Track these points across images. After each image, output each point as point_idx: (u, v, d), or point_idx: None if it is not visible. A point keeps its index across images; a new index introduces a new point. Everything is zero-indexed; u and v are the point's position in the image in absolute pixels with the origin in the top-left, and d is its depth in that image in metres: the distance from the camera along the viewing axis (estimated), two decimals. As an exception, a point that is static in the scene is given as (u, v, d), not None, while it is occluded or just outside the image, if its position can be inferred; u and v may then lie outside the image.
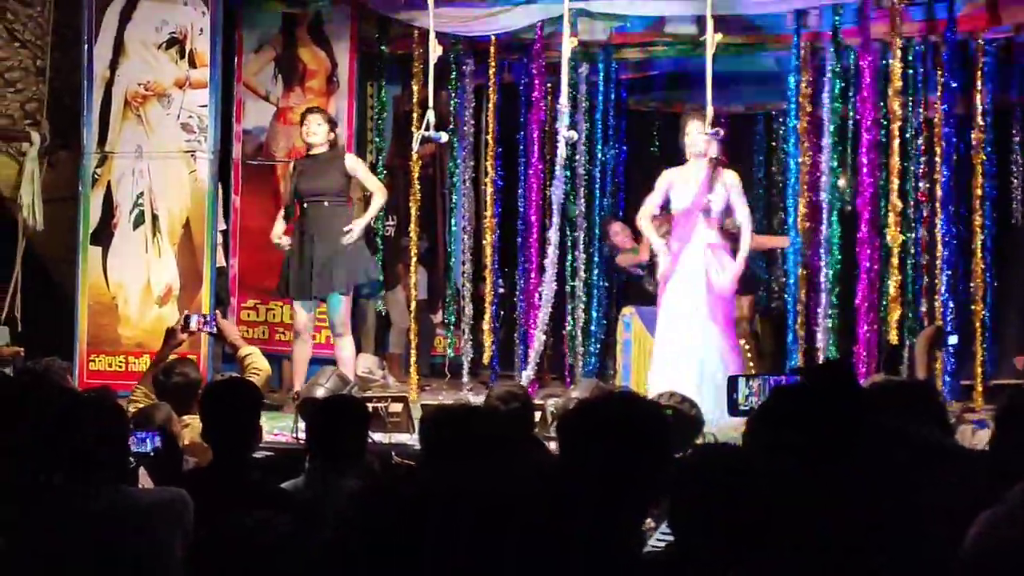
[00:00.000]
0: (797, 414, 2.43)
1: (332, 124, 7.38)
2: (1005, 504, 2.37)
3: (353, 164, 7.35)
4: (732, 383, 3.69)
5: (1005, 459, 2.57)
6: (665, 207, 7.19)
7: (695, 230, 6.95)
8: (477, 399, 6.52)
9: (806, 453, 2.34)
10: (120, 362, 7.53)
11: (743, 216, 6.98)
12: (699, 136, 6.91)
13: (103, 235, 7.60)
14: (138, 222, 7.57)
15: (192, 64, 7.54)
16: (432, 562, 2.29)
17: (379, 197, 7.34)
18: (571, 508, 2.31)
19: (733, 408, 3.76)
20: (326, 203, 7.23)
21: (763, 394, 4.20)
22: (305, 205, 7.24)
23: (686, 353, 6.88)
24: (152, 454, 3.94)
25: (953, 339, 7.57)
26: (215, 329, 5.66)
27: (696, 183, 6.97)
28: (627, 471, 2.36)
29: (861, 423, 2.43)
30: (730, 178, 6.97)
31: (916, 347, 7.81)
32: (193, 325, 5.70)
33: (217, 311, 6.22)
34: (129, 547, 3.16)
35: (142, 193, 7.56)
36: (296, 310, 7.32)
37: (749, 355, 7.76)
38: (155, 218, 7.56)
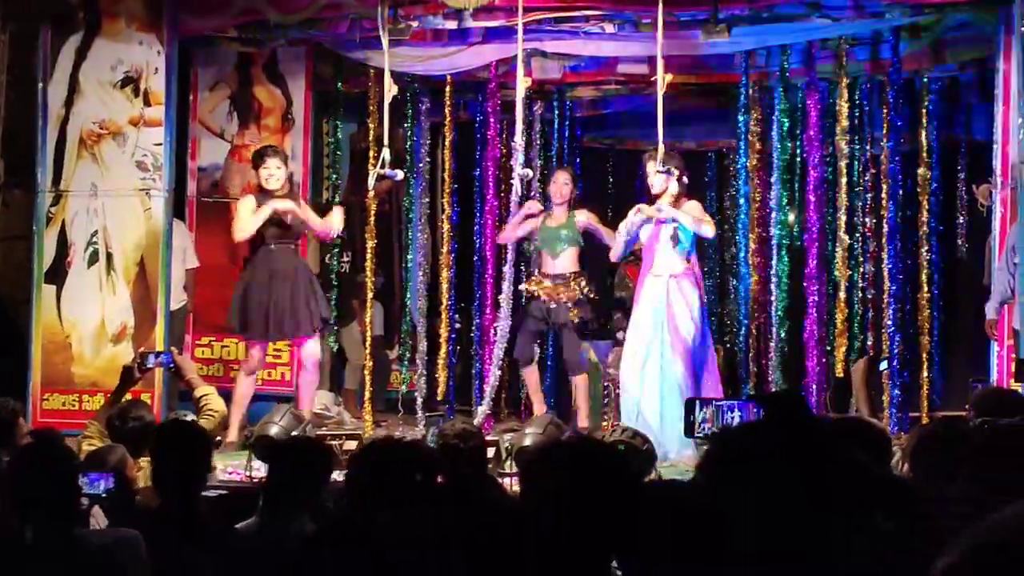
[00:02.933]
0: (753, 448, 2.45)
1: (286, 163, 7.44)
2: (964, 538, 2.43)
3: (304, 205, 7.43)
4: (689, 405, 3.76)
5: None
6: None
7: (659, 262, 7.03)
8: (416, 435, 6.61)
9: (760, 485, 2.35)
10: (74, 400, 7.51)
11: (709, 230, 7.09)
12: (656, 175, 7.02)
13: (57, 273, 7.59)
14: (92, 260, 7.56)
15: (147, 102, 7.56)
16: None
17: (324, 223, 7.42)
18: (536, 547, 2.34)
19: (689, 430, 3.82)
20: (292, 245, 7.32)
21: (717, 420, 4.28)
22: (273, 247, 7.27)
23: (649, 384, 6.94)
24: (104, 495, 3.95)
25: (883, 364, 7.73)
26: (172, 366, 5.67)
27: (648, 215, 7.06)
28: (589, 512, 2.39)
29: (818, 454, 2.46)
30: (689, 206, 7.07)
31: (854, 379, 7.97)
32: (150, 363, 5.71)
33: (173, 348, 6.22)
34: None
35: (96, 231, 7.55)
36: (252, 348, 7.34)
37: None
38: (109, 256, 7.56)
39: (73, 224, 7.58)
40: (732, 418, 3.47)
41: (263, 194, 7.35)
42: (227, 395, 5.94)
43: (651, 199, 7.15)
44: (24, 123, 7.85)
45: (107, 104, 7.58)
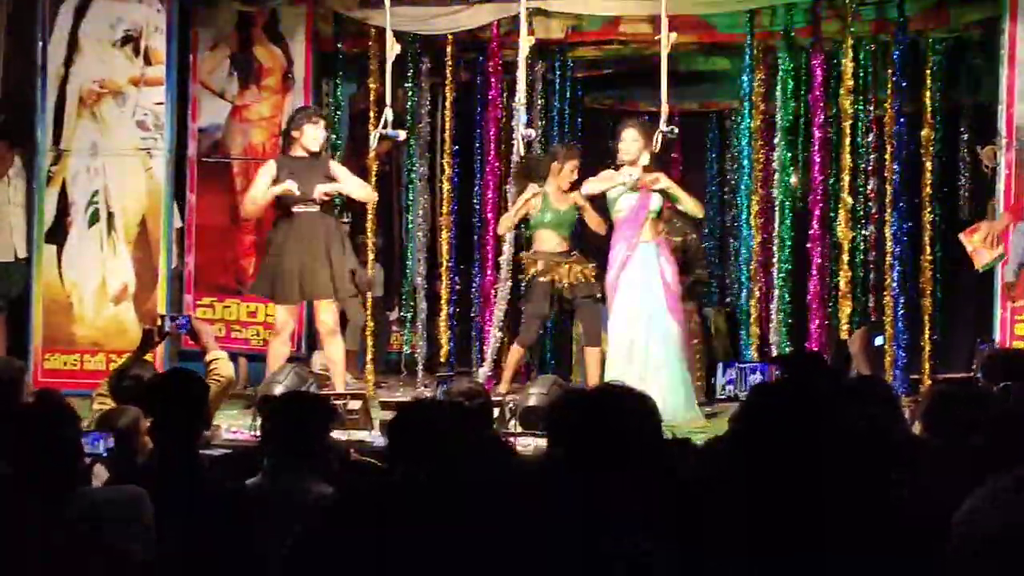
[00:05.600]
0: (782, 407, 2.43)
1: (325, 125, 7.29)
2: (985, 489, 2.44)
3: (336, 168, 7.25)
4: (712, 369, 3.77)
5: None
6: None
7: (643, 230, 7.05)
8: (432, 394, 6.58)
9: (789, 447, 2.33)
10: (75, 361, 7.50)
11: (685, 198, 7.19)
12: (633, 143, 7.01)
13: (58, 233, 7.56)
14: (93, 220, 7.54)
15: (147, 62, 7.52)
16: (418, 559, 2.30)
17: (362, 189, 7.36)
18: (560, 501, 2.33)
19: (711, 392, 3.84)
20: (315, 208, 7.06)
21: (741, 382, 4.31)
22: (295, 211, 7.07)
23: (640, 349, 6.95)
24: (105, 455, 3.95)
25: (879, 340, 7.76)
26: (190, 330, 5.65)
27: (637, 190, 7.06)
28: (615, 461, 2.37)
29: (841, 414, 2.46)
30: (665, 181, 7.11)
31: (852, 348, 7.98)
32: (168, 327, 5.69)
33: (191, 312, 6.20)
34: (85, 545, 3.17)
35: (97, 191, 7.53)
36: (278, 309, 7.27)
37: (698, 356, 7.82)
38: (111, 216, 7.54)
39: (74, 184, 7.56)
40: (755, 380, 3.48)
41: (287, 158, 7.17)
42: (231, 356, 5.89)
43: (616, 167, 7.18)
44: (23, 82, 7.80)
45: (107, 63, 7.55)
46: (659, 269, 7.03)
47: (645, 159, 7.06)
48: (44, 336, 7.53)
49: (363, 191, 7.40)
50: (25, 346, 7.47)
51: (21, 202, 7.60)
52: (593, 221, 7.54)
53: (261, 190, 7.09)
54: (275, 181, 7.05)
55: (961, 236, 7.39)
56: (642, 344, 6.95)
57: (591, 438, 2.35)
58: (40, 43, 7.55)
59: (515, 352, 7.69)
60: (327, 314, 7.07)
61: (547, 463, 2.48)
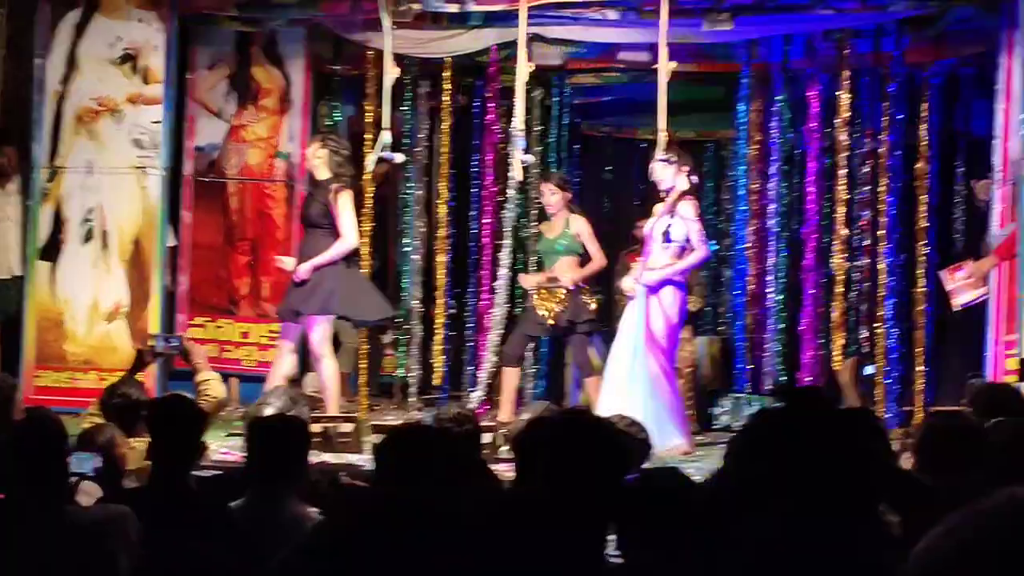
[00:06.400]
0: (779, 438, 2.42)
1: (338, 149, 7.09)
2: (943, 524, 2.42)
3: (339, 202, 6.99)
4: (708, 398, 3.76)
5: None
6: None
7: (651, 256, 7.02)
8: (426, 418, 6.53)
9: (787, 478, 2.32)
10: (67, 378, 7.47)
11: (695, 241, 7.00)
12: (658, 166, 6.98)
13: (52, 250, 7.55)
14: (87, 238, 7.53)
15: (145, 80, 7.52)
16: None
17: (344, 242, 6.97)
18: (535, 525, 2.33)
19: (707, 421, 3.80)
20: (320, 230, 6.96)
21: (736, 412, 4.33)
22: (307, 232, 7.09)
23: (629, 377, 6.92)
24: (92, 474, 3.94)
25: (869, 369, 7.75)
26: (182, 351, 5.64)
27: (657, 213, 7.04)
28: (583, 485, 2.39)
29: (841, 449, 2.45)
30: (683, 208, 7.00)
31: (842, 379, 7.97)
32: (160, 347, 5.68)
33: (183, 333, 6.18)
34: (71, 563, 3.16)
35: (92, 209, 7.52)
36: (281, 329, 7.24)
37: (691, 385, 7.76)
38: (105, 234, 7.52)
39: (69, 201, 7.54)
40: (751, 411, 3.47)
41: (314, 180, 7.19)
42: (223, 376, 5.89)
43: (655, 194, 7.11)
44: (19, 98, 7.80)
45: (105, 81, 7.55)
46: (648, 302, 6.93)
47: (682, 184, 6.95)
48: (36, 353, 7.50)
49: (339, 247, 6.92)
50: (17, 363, 7.44)
51: (18, 219, 7.59)
52: (589, 249, 7.54)
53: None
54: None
55: (942, 273, 7.30)
56: (623, 376, 6.93)
57: (555, 462, 2.37)
58: (38, 60, 7.55)
59: (506, 375, 7.57)
60: (318, 334, 7.03)
61: (525, 492, 2.49)
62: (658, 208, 7.05)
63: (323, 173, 7.00)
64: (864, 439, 2.61)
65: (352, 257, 7.14)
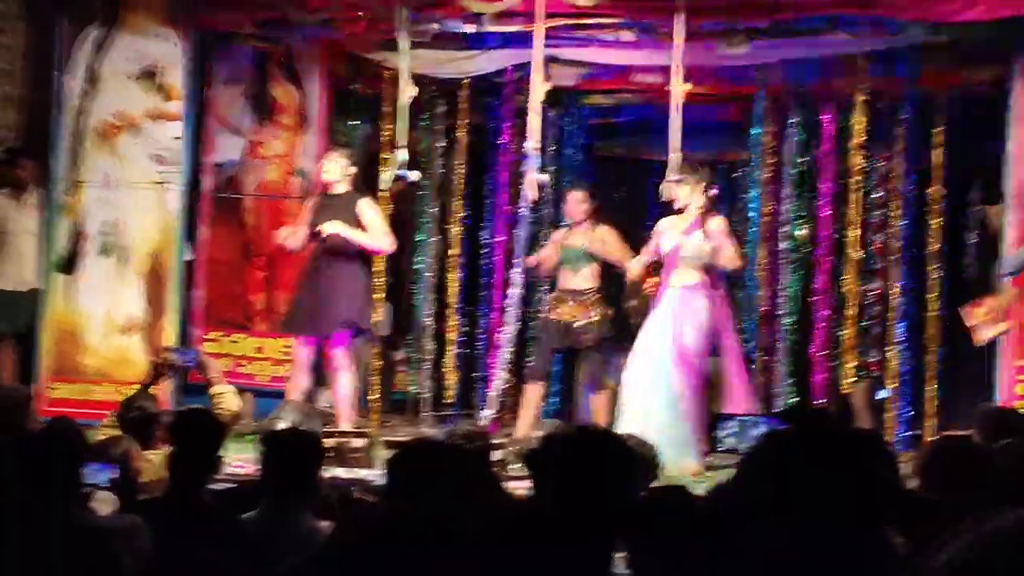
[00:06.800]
0: (787, 460, 2.45)
1: (351, 162, 7.27)
2: (947, 545, 2.44)
3: (364, 209, 7.13)
4: (716, 420, 3.78)
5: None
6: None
7: (675, 274, 7.03)
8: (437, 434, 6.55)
9: (794, 501, 2.34)
10: (82, 391, 7.52)
11: (730, 256, 7.03)
12: (667, 186, 7.01)
13: (69, 263, 7.60)
14: (105, 251, 7.59)
15: (165, 96, 7.59)
16: None
17: (382, 239, 7.16)
18: (544, 540, 2.36)
19: (713, 445, 3.81)
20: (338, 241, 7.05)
21: (743, 435, 4.31)
22: (314, 244, 7.13)
23: (651, 392, 6.92)
24: (107, 485, 3.98)
25: (883, 392, 7.74)
26: (197, 364, 5.69)
27: (678, 231, 7.04)
28: (594, 501, 2.41)
29: (847, 468, 2.47)
30: (714, 224, 7.05)
31: (856, 402, 7.98)
32: (176, 360, 5.74)
33: (199, 347, 6.24)
34: (73, 566, 3.19)
35: (110, 223, 7.58)
36: (294, 344, 7.30)
37: None
38: (123, 248, 7.58)
39: (87, 215, 7.60)
40: (758, 433, 3.49)
41: (323, 195, 7.26)
42: (238, 390, 5.93)
43: (668, 215, 7.13)
44: (40, 113, 7.88)
45: (125, 97, 7.62)
46: (675, 319, 6.93)
47: (698, 201, 7.00)
48: (52, 365, 7.55)
49: (372, 239, 7.11)
50: (33, 374, 7.49)
51: (36, 232, 7.65)
52: (612, 257, 7.55)
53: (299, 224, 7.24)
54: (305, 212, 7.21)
55: (963, 310, 7.32)
56: (642, 390, 6.93)
57: (565, 478, 2.40)
58: (58, 75, 7.62)
59: (530, 391, 7.54)
60: (335, 349, 7.09)
61: (534, 508, 2.52)
62: (667, 223, 7.05)
63: (342, 186, 7.09)
64: (871, 460, 2.64)
65: (369, 267, 7.19)
